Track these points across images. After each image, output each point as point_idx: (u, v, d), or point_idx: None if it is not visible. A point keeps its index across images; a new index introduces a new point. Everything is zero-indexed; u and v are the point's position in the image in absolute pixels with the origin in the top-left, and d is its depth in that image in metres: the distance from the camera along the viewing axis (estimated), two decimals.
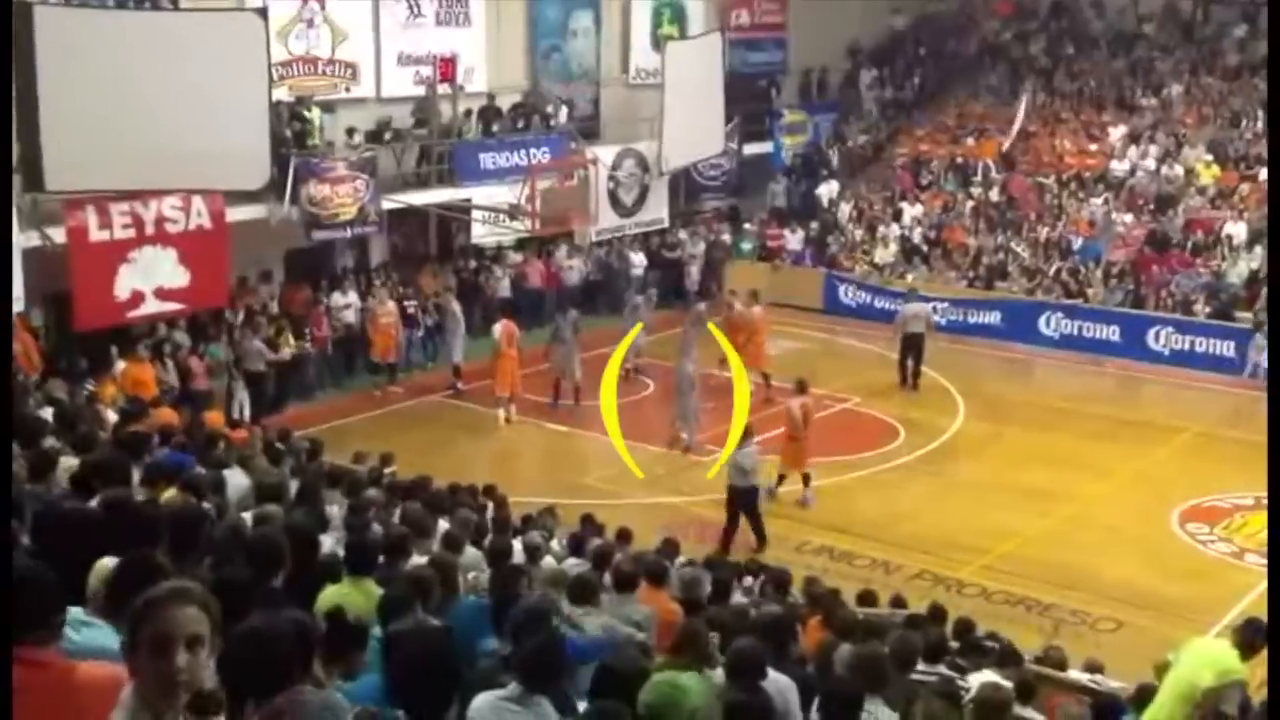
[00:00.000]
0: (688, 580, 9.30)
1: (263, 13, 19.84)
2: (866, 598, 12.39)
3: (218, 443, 12.15)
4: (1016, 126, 30.31)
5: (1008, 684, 7.55)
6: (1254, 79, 30.26)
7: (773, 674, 6.37)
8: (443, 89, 24.55)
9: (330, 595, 6.70)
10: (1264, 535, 16.55)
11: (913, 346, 23.12)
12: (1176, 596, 15.04)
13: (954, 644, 9.78)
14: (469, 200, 24.53)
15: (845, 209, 30.73)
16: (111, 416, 13.78)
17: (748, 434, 16.46)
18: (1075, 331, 25.64)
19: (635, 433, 20.00)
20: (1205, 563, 16.23)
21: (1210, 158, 28.70)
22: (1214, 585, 15.43)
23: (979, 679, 7.99)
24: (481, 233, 25.34)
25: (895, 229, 29.58)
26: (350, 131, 22.90)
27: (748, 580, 11.61)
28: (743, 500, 16.27)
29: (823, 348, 26.06)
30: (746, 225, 30.86)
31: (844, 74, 35.07)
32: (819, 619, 9.80)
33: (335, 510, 10.14)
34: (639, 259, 28.35)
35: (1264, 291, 24.72)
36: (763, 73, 32.84)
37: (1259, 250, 25.78)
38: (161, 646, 3.17)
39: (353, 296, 23.31)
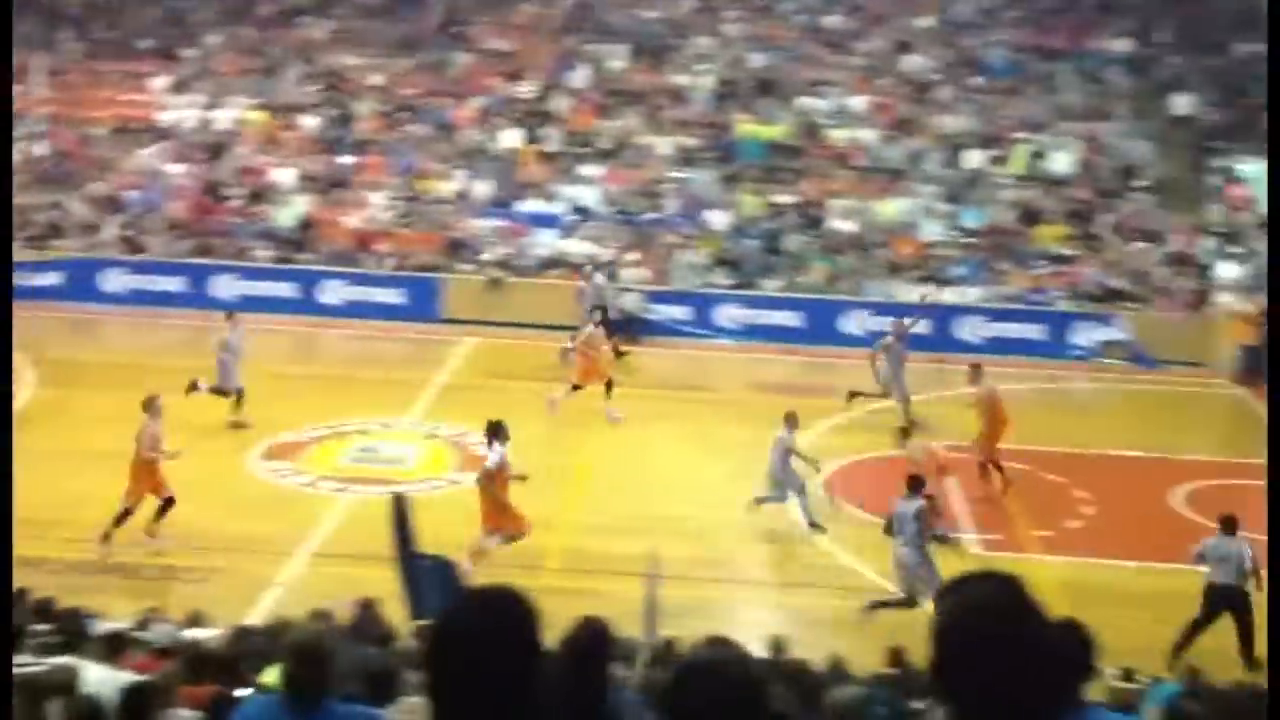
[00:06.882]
0: None
1: None
2: None
3: None
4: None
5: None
6: (288, 27, 31.80)
7: None
8: None
9: None
10: (337, 461, 17.95)
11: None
12: (259, 533, 15.72)
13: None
14: None
15: None
16: None
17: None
18: (143, 287, 25.52)
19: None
20: (284, 496, 17.12)
21: (255, 103, 29.72)
22: (293, 515, 16.38)
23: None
24: None
25: None
26: None
27: None
28: None
29: None
30: None
31: None
32: None
33: None
34: None
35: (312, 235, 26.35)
36: None
37: (309, 196, 27.35)
38: None
39: None
